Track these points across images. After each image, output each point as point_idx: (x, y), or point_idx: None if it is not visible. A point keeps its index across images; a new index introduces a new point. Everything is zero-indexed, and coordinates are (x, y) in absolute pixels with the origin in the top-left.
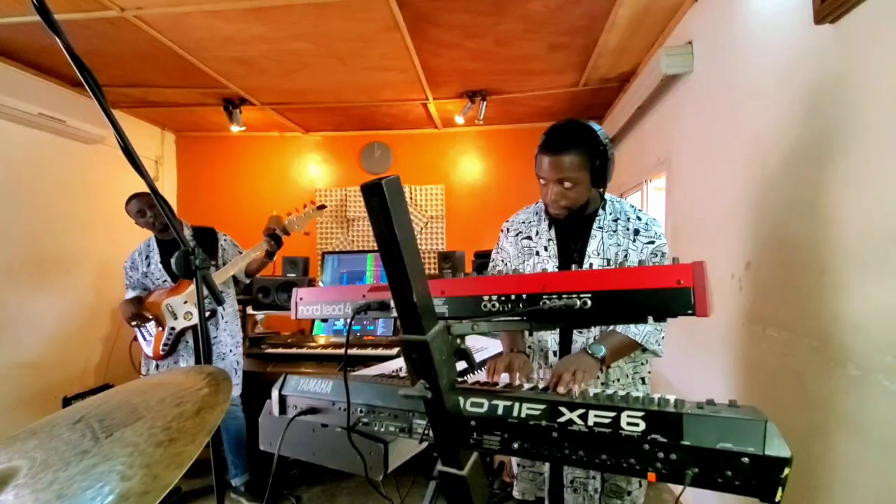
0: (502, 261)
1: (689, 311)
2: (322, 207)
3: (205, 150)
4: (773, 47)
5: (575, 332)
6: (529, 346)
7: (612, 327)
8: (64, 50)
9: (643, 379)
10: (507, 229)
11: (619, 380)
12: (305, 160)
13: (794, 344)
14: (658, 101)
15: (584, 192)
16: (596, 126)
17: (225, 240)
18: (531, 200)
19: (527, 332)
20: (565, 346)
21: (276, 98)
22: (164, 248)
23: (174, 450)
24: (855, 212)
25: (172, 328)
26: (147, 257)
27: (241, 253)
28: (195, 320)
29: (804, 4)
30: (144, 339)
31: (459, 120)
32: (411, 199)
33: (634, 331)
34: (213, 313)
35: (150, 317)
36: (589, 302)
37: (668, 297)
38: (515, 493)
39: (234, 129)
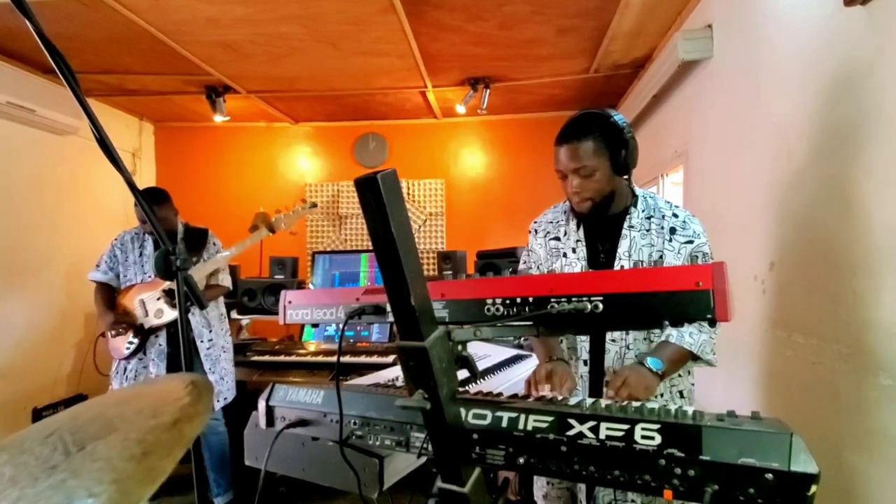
0: (534, 263)
1: (709, 316)
2: (314, 206)
3: (186, 141)
4: (800, 31)
5: (608, 338)
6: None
7: (664, 337)
8: (34, 33)
9: (681, 393)
10: (536, 230)
11: (662, 394)
12: (295, 153)
13: (822, 351)
14: (675, 88)
15: (605, 180)
16: (612, 111)
17: (215, 244)
18: (538, 196)
19: (566, 342)
20: (595, 355)
21: (262, 85)
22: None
23: (148, 464)
24: (888, 208)
25: (140, 325)
26: (141, 245)
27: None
28: (165, 318)
29: None
30: (111, 336)
31: (461, 109)
32: (409, 194)
33: (690, 340)
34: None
35: (130, 322)
36: (600, 305)
37: (685, 300)
38: None
39: (218, 118)
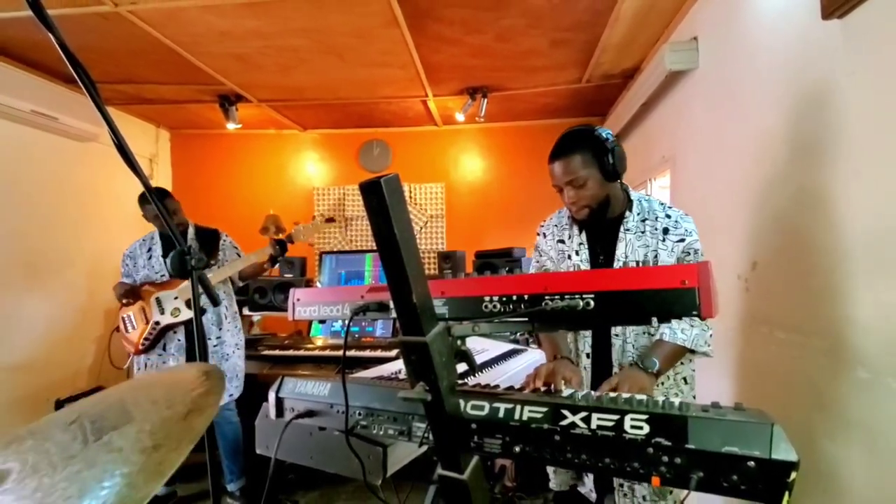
0: (548, 261)
1: (694, 313)
2: (331, 220)
3: (200, 147)
4: (780, 43)
5: (612, 333)
6: None
7: (659, 335)
8: (57, 46)
9: (685, 379)
10: (544, 234)
11: (662, 383)
12: (303, 158)
13: (803, 346)
14: (662, 98)
15: (598, 188)
16: (596, 126)
17: (225, 241)
18: (533, 198)
19: (570, 336)
20: (598, 348)
21: (272, 95)
22: (167, 242)
23: (158, 457)
24: (864, 210)
25: (157, 322)
26: (149, 249)
27: (238, 255)
28: (182, 317)
29: None
30: (127, 330)
31: (460, 117)
32: (411, 197)
33: (683, 336)
34: (204, 311)
35: (141, 301)
36: (592, 303)
37: (672, 297)
38: (552, 485)
39: (231, 126)
